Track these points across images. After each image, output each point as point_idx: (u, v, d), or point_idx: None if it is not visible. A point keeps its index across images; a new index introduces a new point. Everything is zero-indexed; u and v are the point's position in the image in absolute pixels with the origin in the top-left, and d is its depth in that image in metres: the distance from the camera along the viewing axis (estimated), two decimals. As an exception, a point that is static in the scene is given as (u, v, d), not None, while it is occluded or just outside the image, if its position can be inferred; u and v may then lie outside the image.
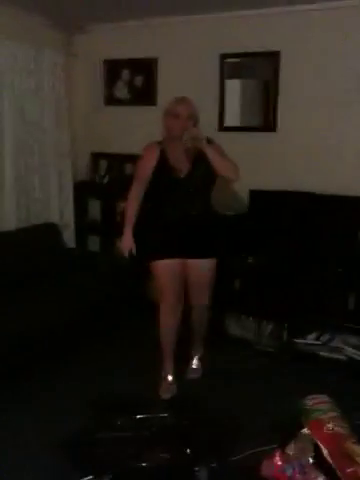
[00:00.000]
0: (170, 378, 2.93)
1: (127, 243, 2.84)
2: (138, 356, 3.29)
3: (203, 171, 2.70)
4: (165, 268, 2.79)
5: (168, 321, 2.87)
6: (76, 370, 3.10)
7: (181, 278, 2.85)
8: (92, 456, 2.00)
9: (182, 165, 2.72)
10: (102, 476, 1.96)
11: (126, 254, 2.84)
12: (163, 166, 2.72)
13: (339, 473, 1.87)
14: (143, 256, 2.86)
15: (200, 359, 3.14)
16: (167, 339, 2.92)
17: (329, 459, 1.92)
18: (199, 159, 2.69)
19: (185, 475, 2.05)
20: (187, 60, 3.93)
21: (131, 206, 2.84)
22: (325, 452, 1.95)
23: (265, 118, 3.77)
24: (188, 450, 2.05)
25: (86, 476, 2.01)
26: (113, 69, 4.21)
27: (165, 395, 2.82)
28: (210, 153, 2.61)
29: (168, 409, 2.47)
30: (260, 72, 3.73)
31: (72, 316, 3.21)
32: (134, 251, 2.83)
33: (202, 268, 2.83)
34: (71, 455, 2.02)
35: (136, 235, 2.87)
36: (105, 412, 2.39)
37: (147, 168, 2.75)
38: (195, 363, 3.14)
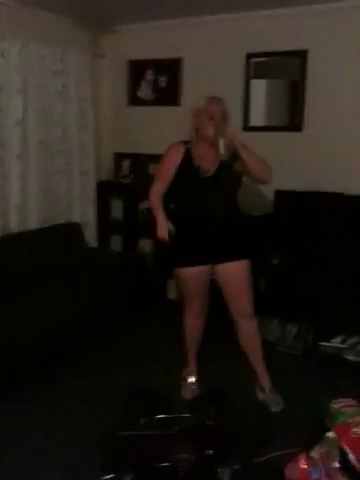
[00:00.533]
0: (192, 379, 2.89)
1: (162, 226, 2.67)
2: (158, 355, 3.28)
3: (230, 171, 2.61)
4: (189, 275, 2.69)
5: (192, 323, 2.83)
6: (104, 366, 3.11)
7: (206, 284, 2.76)
8: (114, 454, 1.98)
9: (209, 165, 2.61)
10: (123, 475, 1.94)
11: (166, 235, 2.66)
12: (188, 165, 2.62)
13: (366, 478, 1.81)
14: (168, 260, 2.81)
15: (271, 389, 2.76)
16: (191, 340, 2.88)
17: (355, 464, 1.87)
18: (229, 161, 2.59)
19: (207, 476, 2.02)
20: (212, 60, 3.92)
21: (155, 199, 2.72)
22: (351, 457, 1.90)
23: (291, 118, 3.73)
24: (211, 451, 2.01)
25: (107, 474, 1.99)
26: (138, 69, 4.22)
27: (187, 395, 2.80)
28: (246, 154, 2.50)
29: (191, 409, 2.44)
30: (287, 71, 3.69)
31: (91, 314, 3.21)
32: (172, 229, 2.66)
33: (234, 272, 2.67)
34: (95, 453, 2.00)
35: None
36: (129, 411, 2.38)
37: (171, 165, 2.65)
38: (267, 396, 2.73)
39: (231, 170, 2.61)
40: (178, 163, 2.63)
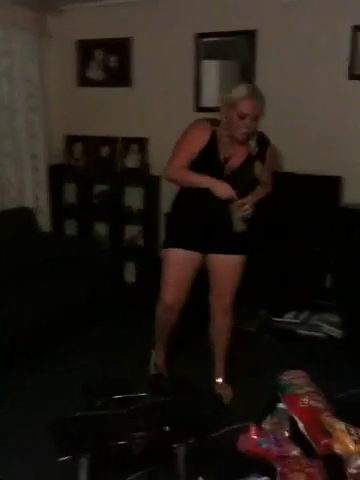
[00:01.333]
0: (159, 362, 2.81)
1: (217, 183, 2.34)
2: (120, 340, 3.30)
3: (250, 173, 2.40)
4: (177, 258, 2.50)
5: (164, 317, 2.65)
6: (67, 357, 3.08)
7: (190, 276, 2.55)
8: (69, 436, 1.98)
9: (232, 160, 2.40)
10: (80, 455, 1.95)
11: (231, 191, 2.33)
12: (212, 154, 2.37)
13: (314, 445, 1.89)
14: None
15: (225, 383, 2.70)
16: (161, 333, 2.74)
17: (304, 432, 1.95)
18: (252, 159, 2.41)
19: (163, 453, 2.05)
20: (162, 40, 3.88)
21: (181, 169, 2.38)
22: (300, 425, 1.98)
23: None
24: (167, 428, 2.05)
25: (65, 456, 2.00)
26: (86, 49, 4.13)
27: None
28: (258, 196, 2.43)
29: (148, 388, 2.47)
30: (238, 52, 3.69)
31: (48, 302, 3.17)
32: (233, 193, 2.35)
33: (228, 265, 2.52)
34: (53, 436, 2.01)
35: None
36: (88, 395, 2.37)
37: (195, 146, 2.36)
38: (220, 386, 2.69)
39: (251, 171, 2.41)
40: (203, 147, 2.37)
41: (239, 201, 2.33)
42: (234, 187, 2.34)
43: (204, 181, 2.35)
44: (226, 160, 2.39)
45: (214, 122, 2.41)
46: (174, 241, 2.53)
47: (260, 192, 2.50)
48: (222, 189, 2.34)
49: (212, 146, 2.37)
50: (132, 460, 2.03)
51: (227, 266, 2.53)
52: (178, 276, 2.53)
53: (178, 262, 2.51)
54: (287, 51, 3.52)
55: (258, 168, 2.41)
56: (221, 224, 2.42)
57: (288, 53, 3.52)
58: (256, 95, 2.31)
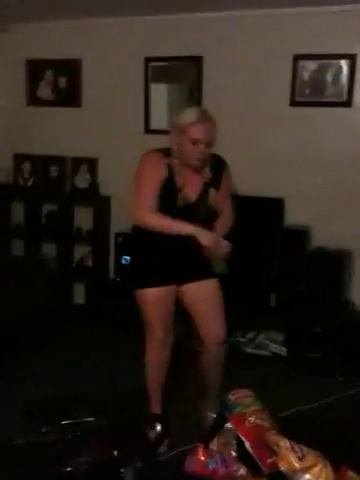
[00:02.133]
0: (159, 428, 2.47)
1: (203, 233, 2.24)
2: (70, 360, 3.24)
3: (208, 202, 2.33)
4: (156, 297, 2.35)
5: (156, 356, 2.46)
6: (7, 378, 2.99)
7: (173, 308, 2.44)
8: (10, 464, 1.93)
9: (192, 188, 2.30)
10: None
11: (228, 248, 2.28)
12: (168, 186, 2.26)
13: (260, 464, 1.92)
14: (130, 280, 2.47)
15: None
16: (155, 378, 2.51)
17: (251, 451, 1.97)
18: (211, 181, 2.34)
19: (111, 477, 2.03)
20: (112, 62, 3.92)
21: (158, 216, 2.26)
22: (247, 445, 2.00)
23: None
24: (115, 451, 2.03)
25: (8, 485, 1.94)
26: (36, 69, 4.12)
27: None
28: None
29: (94, 412, 2.43)
30: (186, 76, 3.78)
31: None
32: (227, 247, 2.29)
33: (207, 290, 2.41)
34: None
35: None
36: (29, 418, 2.31)
37: (157, 182, 2.25)
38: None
39: (208, 201, 2.33)
40: (163, 180, 2.26)
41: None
42: (192, 220, 2.25)
43: (188, 230, 2.24)
44: (180, 190, 2.28)
45: (165, 153, 2.29)
46: (147, 281, 2.37)
47: (225, 226, 2.42)
48: (208, 238, 2.25)
49: (170, 179, 2.27)
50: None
51: (207, 292, 2.42)
52: (161, 312, 2.41)
53: (159, 300, 2.38)
54: (232, 77, 3.64)
55: (211, 195, 2.34)
56: (190, 251, 2.30)
57: (233, 79, 3.64)
58: (207, 119, 2.22)
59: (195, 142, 2.21)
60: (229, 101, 3.65)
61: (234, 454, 2.02)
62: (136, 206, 2.30)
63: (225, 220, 2.46)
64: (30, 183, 4.21)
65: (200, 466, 1.89)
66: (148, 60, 3.80)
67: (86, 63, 3.99)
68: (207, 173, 2.34)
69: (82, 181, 4.10)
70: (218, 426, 2.22)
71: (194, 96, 3.74)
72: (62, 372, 3.09)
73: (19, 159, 4.22)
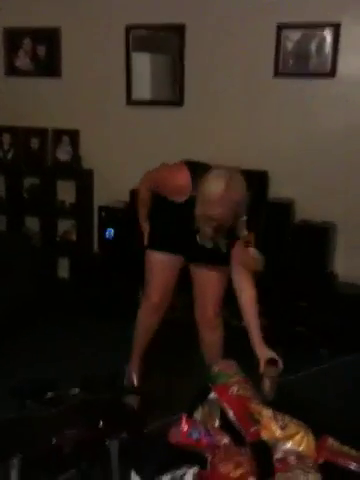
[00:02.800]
0: (134, 379, 2.66)
1: (145, 230, 2.50)
2: (66, 346, 3.21)
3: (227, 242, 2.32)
4: (160, 260, 2.49)
5: (147, 319, 2.59)
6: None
7: (175, 276, 2.55)
8: (-2, 439, 1.94)
9: (207, 237, 2.29)
10: (9, 459, 1.91)
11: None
12: (186, 215, 2.25)
13: (243, 433, 1.95)
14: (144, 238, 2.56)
15: None
16: (141, 339, 2.64)
17: (234, 420, 1.99)
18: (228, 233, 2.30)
19: (96, 449, 2.05)
20: (92, 30, 3.81)
21: (146, 193, 2.46)
22: (230, 414, 2.02)
23: (173, 93, 3.76)
24: (100, 424, 2.04)
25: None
26: (14, 38, 3.99)
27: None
28: None
29: (80, 387, 2.44)
30: (168, 46, 3.70)
31: None
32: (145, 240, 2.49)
33: (209, 278, 2.48)
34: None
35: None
36: (18, 396, 2.32)
37: (171, 193, 2.33)
38: None
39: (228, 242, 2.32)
40: (180, 201, 2.30)
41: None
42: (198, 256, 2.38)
43: (141, 222, 2.52)
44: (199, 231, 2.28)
45: (197, 179, 2.20)
46: (159, 244, 2.50)
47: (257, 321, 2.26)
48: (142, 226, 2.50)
49: (188, 209, 2.22)
50: (64, 458, 2.01)
51: (209, 279, 2.49)
52: (164, 277, 2.52)
53: (163, 264, 2.49)
54: (215, 47, 3.56)
55: (222, 243, 2.30)
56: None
57: (216, 49, 3.57)
58: (229, 197, 2.08)
59: (211, 218, 2.16)
60: (212, 71, 3.59)
61: (218, 424, 2.05)
62: (145, 176, 2.48)
63: (255, 315, 2.29)
64: (10, 156, 4.13)
65: (184, 436, 1.91)
66: (129, 28, 3.69)
67: (65, 31, 3.87)
68: (242, 233, 2.28)
69: (63, 153, 4.03)
70: (202, 396, 2.24)
71: (176, 66, 3.66)
72: (49, 347, 3.09)
73: (-2, 131, 4.13)
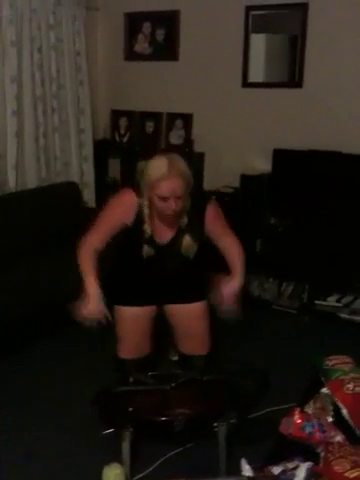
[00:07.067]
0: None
1: (93, 299, 2.08)
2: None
3: (189, 243, 2.17)
4: (127, 316, 2.24)
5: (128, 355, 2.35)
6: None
7: (147, 329, 2.30)
8: (113, 410, 2.03)
9: (163, 236, 2.16)
10: (123, 429, 2.00)
11: (99, 316, 2.09)
12: (136, 235, 2.14)
13: (358, 432, 1.87)
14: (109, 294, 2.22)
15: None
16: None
17: (348, 418, 1.92)
18: (188, 227, 2.16)
19: (205, 430, 2.08)
20: (211, 13, 3.78)
21: (87, 255, 2.13)
22: (344, 411, 1.95)
23: (291, 74, 3.64)
24: (209, 406, 2.07)
25: (107, 429, 2.06)
26: (134, 22, 4.08)
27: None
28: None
29: (182, 366, 2.42)
30: (287, 26, 3.58)
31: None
32: (107, 314, 2.11)
33: (189, 315, 2.26)
34: (95, 410, 2.06)
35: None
36: (121, 372, 2.38)
37: (118, 220, 2.13)
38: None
39: (181, 249, 2.17)
40: (128, 223, 2.13)
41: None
42: (160, 269, 2.18)
43: (88, 287, 2.09)
44: (146, 242, 2.14)
45: (140, 194, 2.10)
46: (123, 298, 2.25)
47: (241, 262, 2.20)
48: (89, 304, 2.06)
49: (137, 226, 2.12)
50: (173, 436, 2.06)
51: (191, 316, 2.27)
52: (135, 333, 2.29)
53: (130, 320, 2.26)
54: (340, 26, 3.37)
55: (184, 243, 2.15)
56: (172, 275, 2.22)
57: (341, 28, 3.37)
58: (176, 173, 2.00)
59: (165, 199, 2.03)
60: (335, 52, 3.41)
61: (331, 420, 1.99)
62: (87, 232, 2.18)
63: (238, 255, 2.23)
64: (126, 139, 4.26)
65: (296, 428, 1.88)
66: (249, 9, 3.61)
67: (184, 14, 3.88)
68: (183, 219, 2.15)
69: (176, 137, 4.08)
70: (313, 390, 2.19)
71: (297, 46, 3.52)
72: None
73: (116, 115, 4.27)
